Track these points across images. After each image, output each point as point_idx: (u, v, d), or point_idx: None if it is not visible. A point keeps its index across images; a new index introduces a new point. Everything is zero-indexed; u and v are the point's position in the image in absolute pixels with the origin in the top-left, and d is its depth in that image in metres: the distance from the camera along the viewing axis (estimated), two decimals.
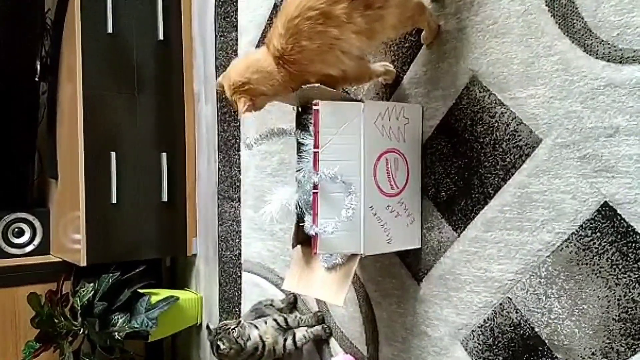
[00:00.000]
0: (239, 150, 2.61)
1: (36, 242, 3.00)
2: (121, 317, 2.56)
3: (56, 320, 2.54)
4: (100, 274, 2.66)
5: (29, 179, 3.21)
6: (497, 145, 1.55)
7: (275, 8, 2.31)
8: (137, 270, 2.71)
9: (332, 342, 2.12)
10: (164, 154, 2.84)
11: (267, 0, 2.36)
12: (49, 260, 2.95)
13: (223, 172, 2.71)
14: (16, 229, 2.96)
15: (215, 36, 2.72)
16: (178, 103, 2.90)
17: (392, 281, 1.88)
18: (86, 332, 2.54)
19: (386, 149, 1.66)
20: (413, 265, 1.81)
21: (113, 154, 2.70)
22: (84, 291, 2.56)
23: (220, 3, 2.67)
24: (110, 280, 2.60)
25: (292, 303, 2.29)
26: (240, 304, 2.62)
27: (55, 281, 2.65)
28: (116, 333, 2.51)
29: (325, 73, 1.55)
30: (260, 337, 2.09)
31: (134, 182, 2.77)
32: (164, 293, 2.80)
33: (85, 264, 2.65)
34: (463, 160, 1.64)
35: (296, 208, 1.67)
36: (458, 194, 1.66)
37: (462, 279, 1.66)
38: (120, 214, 2.74)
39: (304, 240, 1.76)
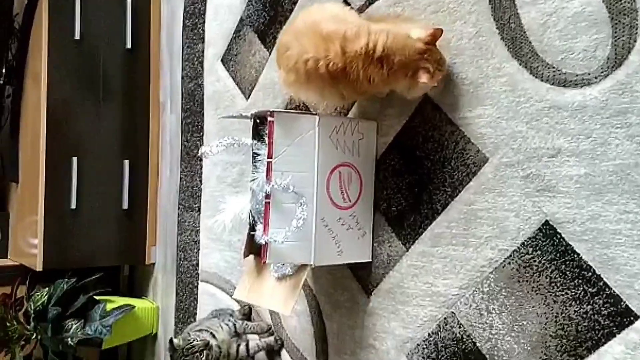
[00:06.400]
0: (201, 160, 2.62)
1: None
2: (75, 323, 2.52)
3: (8, 324, 2.51)
4: (57, 280, 2.64)
5: None
6: (446, 163, 1.58)
7: (242, 22, 2.34)
8: (94, 277, 2.69)
9: (284, 353, 2.13)
10: (126, 162, 2.82)
11: (233, 14, 2.39)
12: (6, 264, 2.90)
13: (184, 182, 2.72)
14: None
15: (182, 47, 2.74)
16: (143, 112, 2.89)
17: (344, 294, 1.90)
18: (39, 337, 2.51)
19: (340, 163, 1.69)
20: (364, 278, 1.83)
21: (74, 159, 2.68)
22: (38, 295, 2.54)
23: (188, 15, 2.69)
24: (65, 286, 2.57)
25: (247, 314, 2.30)
26: (195, 314, 2.62)
27: (11, 285, 2.63)
28: (69, 339, 2.49)
29: None
30: (219, 347, 2.10)
31: (95, 188, 2.75)
32: (121, 301, 2.78)
33: (41, 269, 2.62)
34: (414, 177, 1.67)
35: (249, 217, 1.69)
36: (408, 209, 1.69)
37: (409, 292, 1.69)
38: (79, 220, 2.72)
39: (257, 250, 1.77)
